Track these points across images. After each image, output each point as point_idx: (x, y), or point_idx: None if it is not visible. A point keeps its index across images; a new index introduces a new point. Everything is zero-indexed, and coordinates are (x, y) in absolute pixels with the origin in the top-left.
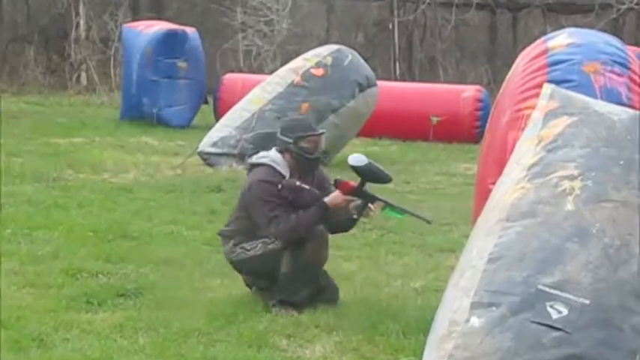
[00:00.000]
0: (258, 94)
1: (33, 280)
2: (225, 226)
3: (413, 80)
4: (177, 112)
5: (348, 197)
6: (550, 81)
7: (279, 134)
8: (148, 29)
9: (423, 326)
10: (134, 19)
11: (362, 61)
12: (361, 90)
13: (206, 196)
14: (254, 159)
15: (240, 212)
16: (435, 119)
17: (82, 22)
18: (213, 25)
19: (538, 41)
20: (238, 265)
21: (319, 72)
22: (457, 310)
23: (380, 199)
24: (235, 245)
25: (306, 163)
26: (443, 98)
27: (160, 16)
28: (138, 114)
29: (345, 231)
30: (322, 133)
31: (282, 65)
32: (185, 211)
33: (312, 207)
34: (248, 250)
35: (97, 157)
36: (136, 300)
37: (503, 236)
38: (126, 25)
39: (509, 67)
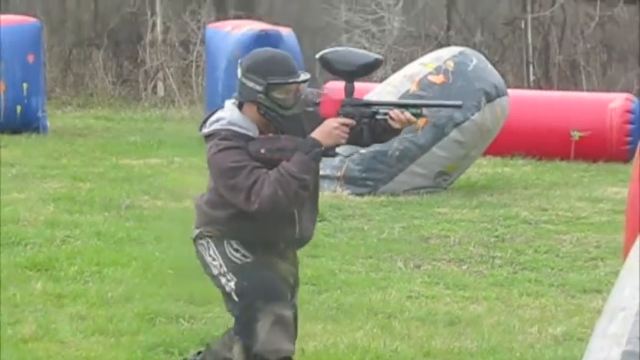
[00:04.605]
0: None
1: (103, 326)
2: None
3: (550, 88)
4: None
5: (344, 120)
6: None
7: (241, 76)
8: (236, 30)
9: None
10: (219, 19)
11: (489, 65)
12: (489, 100)
13: None
14: (207, 127)
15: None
16: (576, 135)
17: (158, 22)
18: (313, 24)
19: None
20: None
21: (439, 79)
22: None
23: (381, 103)
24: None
25: (279, 121)
26: (586, 109)
27: (249, 15)
28: None
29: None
30: (306, 81)
31: (393, 71)
32: None
33: (296, 153)
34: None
35: (178, 181)
36: None
37: None
38: (210, 26)
39: None
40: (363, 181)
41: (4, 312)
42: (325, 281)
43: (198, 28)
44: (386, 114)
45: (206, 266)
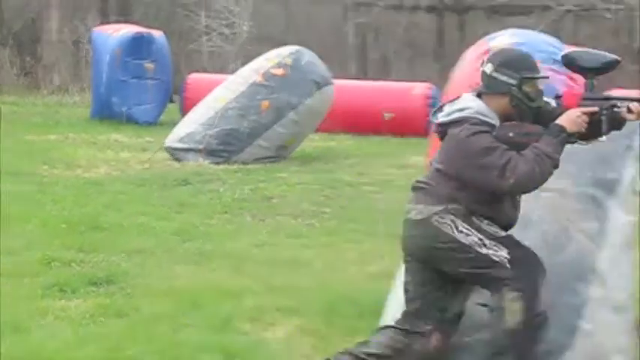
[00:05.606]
0: (221, 93)
1: (9, 270)
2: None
3: (366, 79)
4: (145, 110)
5: (586, 109)
6: None
7: (492, 71)
8: (117, 32)
9: (377, 309)
10: (103, 23)
11: (319, 61)
12: (318, 88)
13: (174, 190)
14: (444, 113)
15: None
16: (387, 115)
17: (54, 26)
18: (179, 27)
19: (481, 41)
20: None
21: (279, 72)
22: None
23: (619, 98)
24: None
25: (526, 113)
26: (395, 95)
27: (127, 20)
28: (108, 112)
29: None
30: (547, 77)
31: (243, 65)
32: (154, 204)
33: (544, 136)
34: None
35: (71, 153)
36: (107, 287)
37: None
38: (95, 29)
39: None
40: (219, 153)
41: None
42: (189, 232)
43: (87, 31)
44: (622, 107)
45: (451, 241)
